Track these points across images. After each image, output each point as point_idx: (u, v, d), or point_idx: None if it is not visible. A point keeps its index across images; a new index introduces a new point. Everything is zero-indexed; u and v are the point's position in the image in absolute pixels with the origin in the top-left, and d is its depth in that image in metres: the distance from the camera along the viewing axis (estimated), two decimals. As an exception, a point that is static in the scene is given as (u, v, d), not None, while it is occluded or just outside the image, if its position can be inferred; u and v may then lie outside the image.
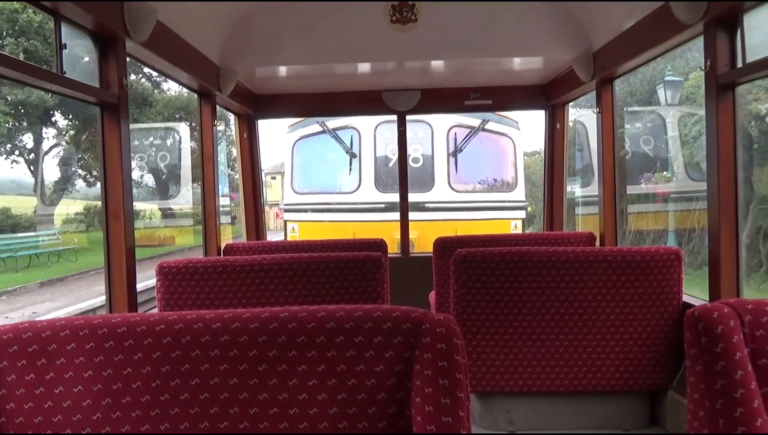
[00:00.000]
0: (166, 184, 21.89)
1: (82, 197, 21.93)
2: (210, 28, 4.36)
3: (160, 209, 22.00)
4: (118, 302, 3.13)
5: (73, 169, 21.03)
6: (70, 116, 19.61)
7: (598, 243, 4.69)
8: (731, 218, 3.06)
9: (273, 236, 6.95)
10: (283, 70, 4.98)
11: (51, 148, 20.85)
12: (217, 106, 4.83)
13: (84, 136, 19.64)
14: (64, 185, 21.39)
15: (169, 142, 20.92)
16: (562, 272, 3.36)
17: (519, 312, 3.39)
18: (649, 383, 3.39)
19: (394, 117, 5.90)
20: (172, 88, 22.11)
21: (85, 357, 1.46)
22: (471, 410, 1.46)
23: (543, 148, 6.00)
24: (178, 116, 21.28)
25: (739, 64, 2.98)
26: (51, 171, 21.44)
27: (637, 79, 13.67)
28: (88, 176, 21.33)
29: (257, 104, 5.77)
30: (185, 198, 20.17)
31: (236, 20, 4.61)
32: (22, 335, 1.48)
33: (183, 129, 20.48)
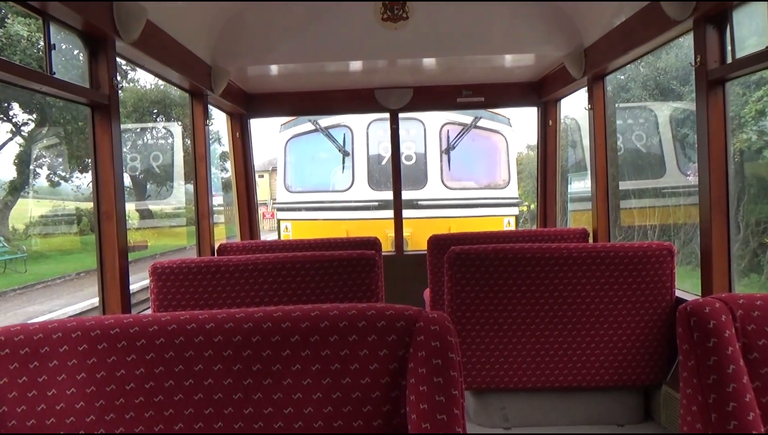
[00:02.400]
0: (143, 183, 20.97)
1: (54, 197, 19.88)
2: (201, 28, 4.34)
3: (137, 210, 20.83)
4: (112, 303, 3.12)
5: (30, 167, 18.96)
6: (29, 110, 17.89)
7: (591, 239, 4.71)
8: (722, 213, 3.08)
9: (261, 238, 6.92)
10: (274, 69, 4.96)
11: (4, 144, 18.54)
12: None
13: (44, 130, 18.13)
14: (20, 186, 19.16)
15: (146, 140, 20.32)
16: (555, 269, 3.37)
17: (513, 308, 3.40)
18: (643, 378, 3.41)
19: (387, 115, 5.90)
20: (144, 78, 20.60)
21: (78, 359, 1.45)
22: (466, 407, 1.46)
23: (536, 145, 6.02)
24: (155, 111, 20.33)
25: (729, 60, 3.00)
26: (5, 170, 19.05)
27: (672, 54, 12.49)
28: (51, 175, 19.29)
29: (249, 103, 5.75)
30: (164, 198, 19.51)
31: (227, 19, 4.58)
32: (14, 338, 1.47)
33: (159, 127, 19.95)
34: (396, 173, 5.92)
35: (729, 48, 3.00)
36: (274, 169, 14.84)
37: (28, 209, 19.25)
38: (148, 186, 21.23)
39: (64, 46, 2.88)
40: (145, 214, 21.20)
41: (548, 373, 3.41)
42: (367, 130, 9.33)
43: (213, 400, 1.43)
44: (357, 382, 1.41)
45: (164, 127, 19.94)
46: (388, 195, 6.56)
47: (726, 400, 1.47)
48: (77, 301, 13.80)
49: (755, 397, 1.49)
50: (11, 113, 18.07)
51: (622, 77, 13.18)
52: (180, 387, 1.44)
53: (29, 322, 1.63)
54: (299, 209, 9.57)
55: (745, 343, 1.53)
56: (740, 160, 10.39)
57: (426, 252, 4.54)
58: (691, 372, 1.54)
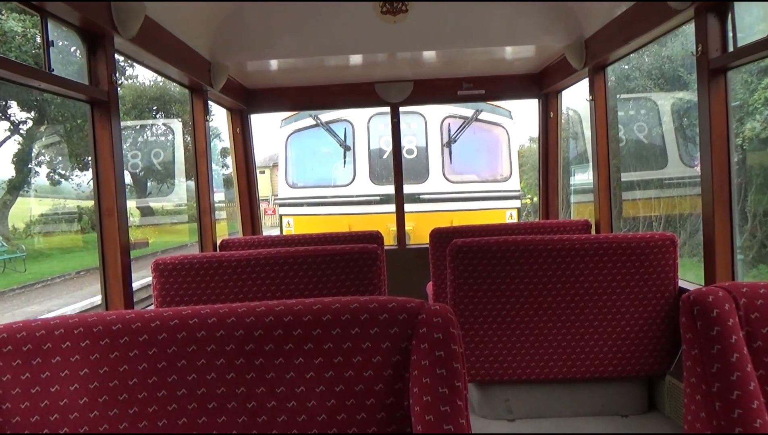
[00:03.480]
0: (144, 180, 20.95)
1: (55, 195, 19.67)
2: (200, 23, 4.33)
3: (138, 207, 20.66)
4: (114, 300, 3.12)
5: (30, 166, 18.89)
6: (27, 108, 17.77)
7: (593, 230, 4.70)
8: (725, 203, 3.07)
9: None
10: (274, 64, 4.95)
11: (2, 142, 18.29)
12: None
13: (43, 128, 18.03)
14: (19, 184, 18.96)
15: (146, 137, 20.26)
16: (558, 260, 3.36)
17: (516, 300, 3.40)
18: (647, 368, 3.40)
19: (387, 109, 5.89)
20: (142, 74, 20.63)
21: (81, 355, 1.45)
22: (470, 399, 1.46)
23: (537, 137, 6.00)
24: (154, 108, 20.19)
25: (731, 48, 2.98)
26: (4, 169, 18.84)
27: (677, 43, 11.83)
28: (51, 174, 19.24)
29: (249, 99, 5.74)
30: (165, 195, 19.39)
31: (226, 14, 4.57)
32: (17, 335, 1.47)
33: (159, 124, 19.83)
34: (397, 167, 5.91)
35: (731, 36, 2.98)
36: (276, 165, 14.85)
37: (28, 208, 19.09)
38: (148, 183, 21.18)
39: (61, 43, 2.88)
40: (146, 212, 21.11)
41: (552, 364, 3.41)
42: (368, 125, 9.33)
43: (216, 395, 1.43)
44: (360, 375, 1.41)
45: (164, 124, 19.87)
46: (390, 189, 6.56)
47: (730, 389, 1.46)
48: (76, 301, 13.76)
49: (759, 386, 1.48)
50: (9, 111, 17.86)
51: (626, 66, 13.07)
52: (183, 381, 1.44)
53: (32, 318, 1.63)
54: (301, 204, 9.58)
55: (749, 332, 1.52)
56: (748, 148, 10.19)
57: (428, 245, 4.54)
58: (695, 361, 1.53)
